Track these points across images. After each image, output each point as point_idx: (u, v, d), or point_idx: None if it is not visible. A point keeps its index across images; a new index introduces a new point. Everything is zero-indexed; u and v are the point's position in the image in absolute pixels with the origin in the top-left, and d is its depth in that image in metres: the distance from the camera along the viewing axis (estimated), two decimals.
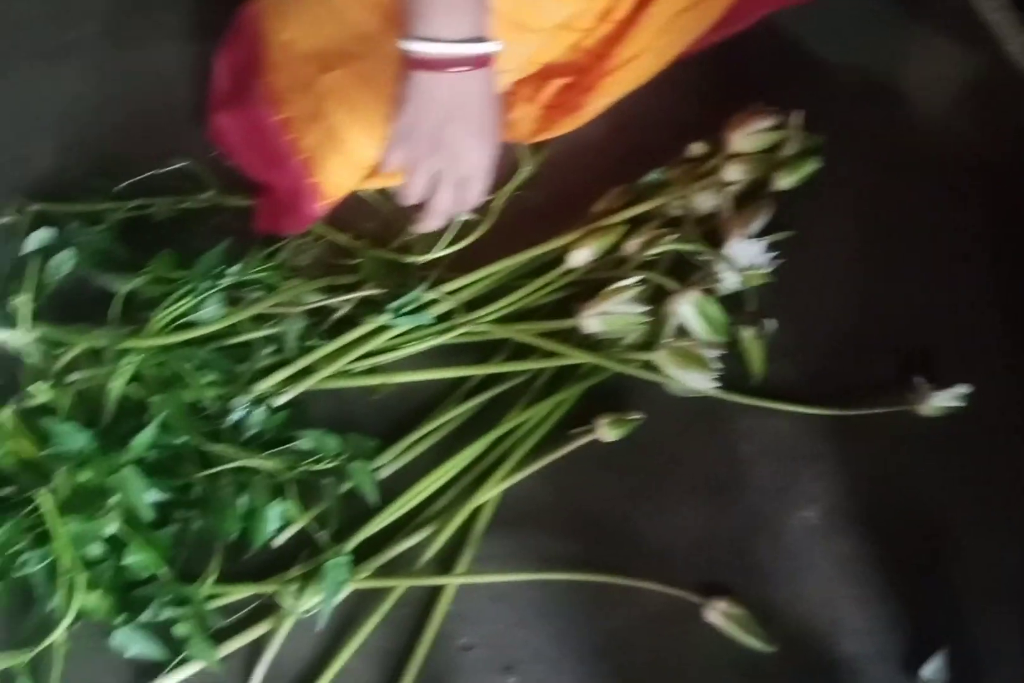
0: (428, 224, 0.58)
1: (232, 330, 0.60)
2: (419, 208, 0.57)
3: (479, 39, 0.49)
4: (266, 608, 0.54)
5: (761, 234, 0.63)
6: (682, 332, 0.59)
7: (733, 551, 0.57)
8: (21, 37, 0.71)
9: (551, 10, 0.56)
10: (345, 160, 0.59)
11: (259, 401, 0.58)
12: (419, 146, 0.53)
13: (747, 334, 0.61)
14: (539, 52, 0.61)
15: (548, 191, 0.67)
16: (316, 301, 0.61)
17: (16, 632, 0.54)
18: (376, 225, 0.66)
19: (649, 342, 0.60)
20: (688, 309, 0.59)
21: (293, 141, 0.60)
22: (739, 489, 0.59)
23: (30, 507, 0.54)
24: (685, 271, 0.62)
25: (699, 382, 0.58)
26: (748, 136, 0.66)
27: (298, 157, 0.60)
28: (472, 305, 0.62)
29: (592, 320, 0.60)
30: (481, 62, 0.49)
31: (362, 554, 0.54)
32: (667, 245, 0.63)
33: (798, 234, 0.64)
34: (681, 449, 0.60)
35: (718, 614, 0.54)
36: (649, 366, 0.59)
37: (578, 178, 0.68)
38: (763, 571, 0.56)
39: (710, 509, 0.58)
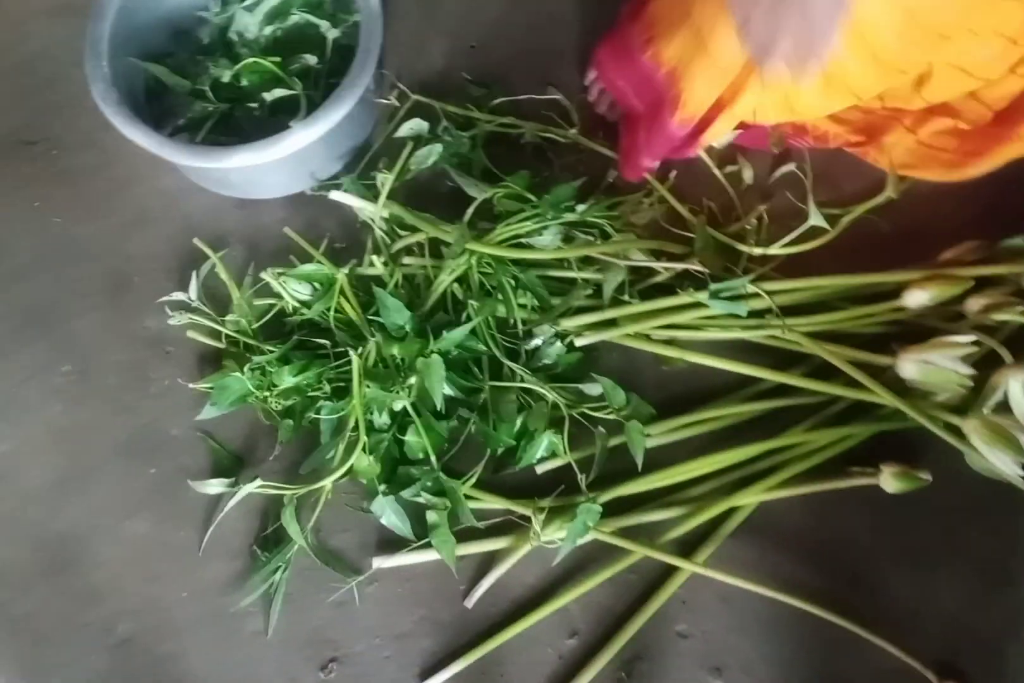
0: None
1: (559, 263, 0.62)
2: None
3: None
4: (507, 526, 0.56)
5: None
6: (1001, 407, 0.55)
7: (983, 644, 0.53)
8: None
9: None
10: (709, 64, 0.57)
11: (560, 336, 0.60)
12: None
13: None
14: (934, 89, 0.58)
15: (896, 223, 0.64)
16: (641, 260, 0.61)
17: (292, 468, 0.59)
18: (718, 205, 0.65)
19: (963, 407, 0.56)
20: (1018, 387, 0.55)
21: (656, 54, 0.60)
22: (1011, 587, 0.54)
23: (338, 362, 0.59)
24: (1018, 346, 0.58)
25: (1004, 465, 0.54)
26: None
27: (663, 70, 0.60)
28: (787, 311, 0.60)
29: (911, 365, 0.57)
30: None
31: (610, 510, 0.55)
32: (1014, 315, 0.58)
33: None
34: (961, 525, 0.56)
35: None
36: (955, 430, 0.55)
37: (929, 220, 0.65)
38: (1011, 676, 0.52)
39: (973, 595, 0.54)
